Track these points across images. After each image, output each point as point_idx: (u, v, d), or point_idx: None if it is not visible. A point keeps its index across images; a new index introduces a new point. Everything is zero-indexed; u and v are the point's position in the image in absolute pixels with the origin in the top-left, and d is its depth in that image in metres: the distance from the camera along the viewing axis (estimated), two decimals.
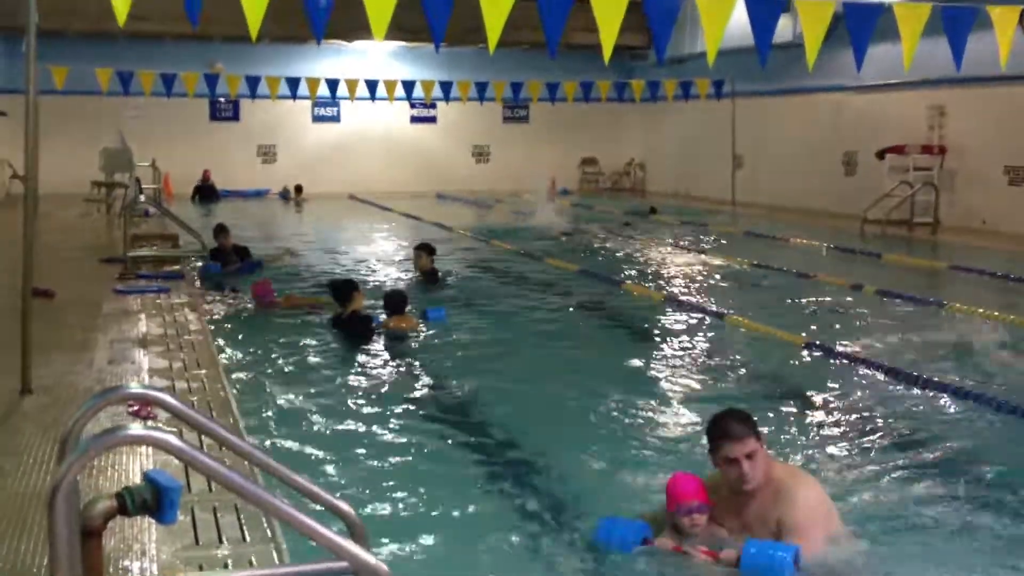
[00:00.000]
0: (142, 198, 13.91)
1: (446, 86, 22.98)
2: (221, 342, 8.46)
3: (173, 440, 2.88)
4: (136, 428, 2.88)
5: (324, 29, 6.64)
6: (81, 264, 12.72)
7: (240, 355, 8.23)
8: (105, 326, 8.62)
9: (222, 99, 26.11)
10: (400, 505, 5.07)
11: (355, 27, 13.18)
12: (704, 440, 4.48)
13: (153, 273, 11.63)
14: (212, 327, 8.92)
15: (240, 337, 8.90)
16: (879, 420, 6.70)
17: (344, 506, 3.53)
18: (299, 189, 26.48)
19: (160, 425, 4.84)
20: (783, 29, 17.46)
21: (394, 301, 9.43)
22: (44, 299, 9.78)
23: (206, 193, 25.80)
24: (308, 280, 12.63)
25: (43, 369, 6.86)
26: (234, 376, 7.37)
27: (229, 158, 27.20)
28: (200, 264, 12.45)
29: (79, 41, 23.85)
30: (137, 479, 4.58)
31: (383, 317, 9.33)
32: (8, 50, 23.79)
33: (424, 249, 12.19)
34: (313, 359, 8.36)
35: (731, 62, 19.34)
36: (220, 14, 17.79)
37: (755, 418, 4.44)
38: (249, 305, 10.39)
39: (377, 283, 12.28)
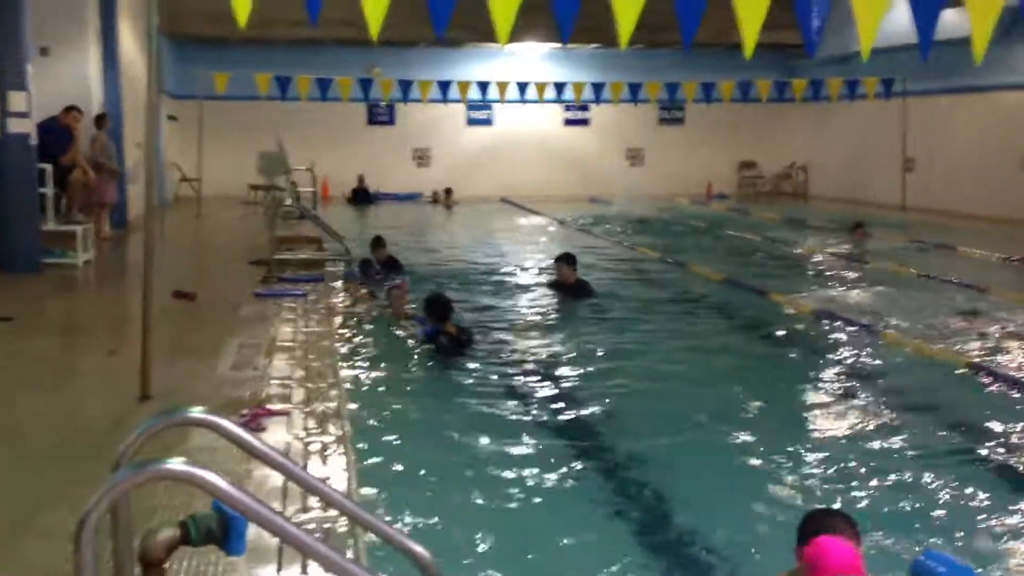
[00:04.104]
0: (288, 201, 14.05)
1: (598, 87, 22.61)
2: (346, 351, 8.30)
3: (212, 478, 2.60)
4: (176, 462, 2.60)
5: (446, 26, 6.38)
6: (231, 265, 12.92)
7: (363, 365, 8.02)
8: (237, 330, 8.60)
9: (380, 104, 26.50)
10: (487, 547, 4.65)
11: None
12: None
13: (295, 276, 11.68)
14: (340, 335, 8.79)
15: (366, 347, 8.69)
16: None
17: (419, 549, 3.20)
18: (449, 192, 26.61)
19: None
20: (958, 23, 16.31)
21: (442, 307, 8.86)
22: (185, 301, 9.96)
23: (361, 196, 26.23)
24: (443, 287, 12.41)
25: (168, 372, 6.84)
26: (353, 387, 7.18)
27: (384, 161, 27.57)
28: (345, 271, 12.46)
29: (241, 47, 24.60)
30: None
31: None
32: (178, 56, 24.79)
33: (565, 260, 11.53)
34: (436, 375, 8.06)
35: (902, 59, 18.29)
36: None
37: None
38: (377, 311, 10.25)
39: (514, 290, 11.99)
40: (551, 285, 11.75)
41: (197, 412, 3.16)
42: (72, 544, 2.53)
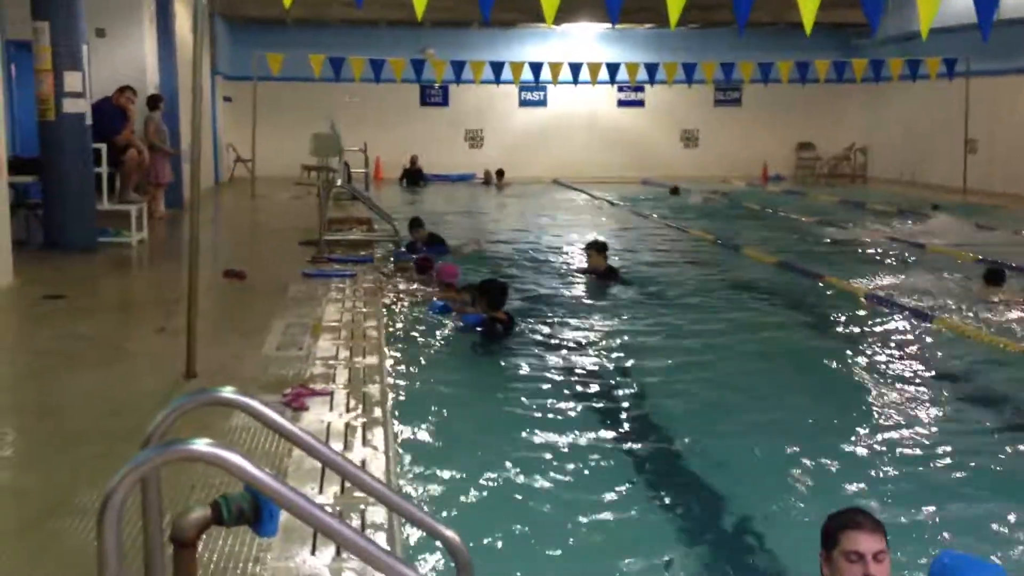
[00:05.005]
0: (339, 182, 14.11)
1: (652, 68, 22.35)
2: (392, 332, 8.29)
3: (237, 459, 2.57)
4: (202, 443, 2.57)
5: (491, 7, 6.31)
6: (282, 246, 12.98)
7: (408, 347, 7.98)
8: (284, 310, 8.63)
9: (434, 85, 26.45)
10: (521, 533, 4.57)
11: (564, 10, 12.81)
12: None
13: (344, 257, 11.71)
14: (386, 316, 8.78)
15: (412, 329, 8.66)
16: None
17: (450, 534, 3.16)
18: (500, 173, 26.54)
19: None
20: (1022, 3, 15.91)
21: (499, 293, 8.67)
22: (236, 280, 10.03)
23: (413, 177, 26.26)
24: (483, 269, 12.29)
25: (215, 350, 6.90)
26: (397, 368, 7.17)
27: (437, 142, 27.56)
28: (394, 253, 12.48)
29: (296, 28, 24.73)
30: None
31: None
32: (233, 37, 24.97)
33: (595, 247, 11.49)
34: (480, 359, 7.98)
35: (964, 39, 17.83)
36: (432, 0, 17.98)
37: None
38: (424, 293, 10.21)
39: (550, 275, 11.86)
40: (582, 271, 11.66)
41: (227, 392, 3.13)
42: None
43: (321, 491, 4.32)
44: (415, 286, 10.54)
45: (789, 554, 4.41)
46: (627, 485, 5.24)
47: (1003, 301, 9.93)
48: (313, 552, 3.75)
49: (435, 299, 9.58)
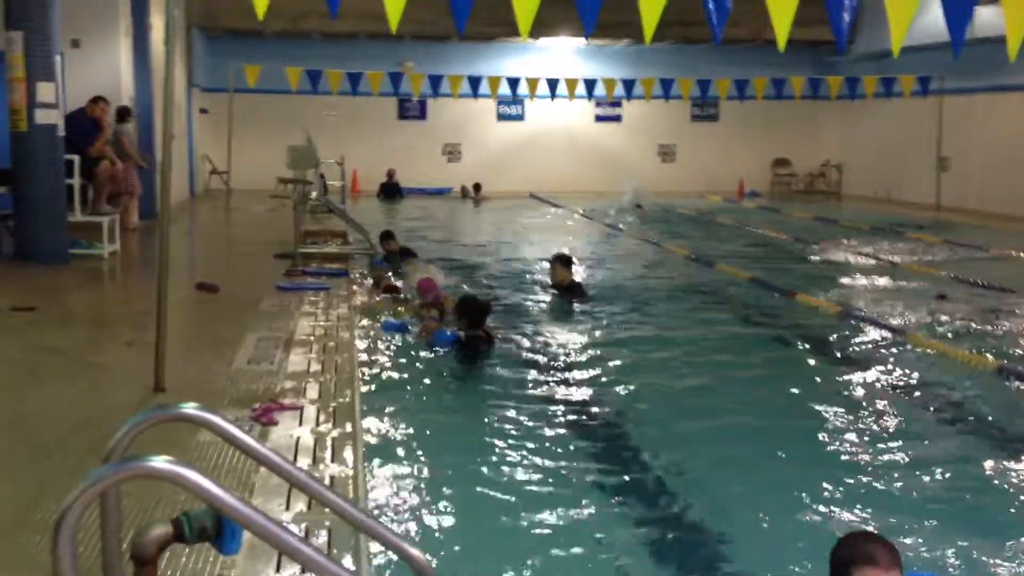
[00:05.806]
0: (314, 194, 14.06)
1: (629, 84, 22.45)
2: (365, 346, 8.25)
3: (195, 477, 2.53)
4: (160, 460, 2.53)
5: (466, 21, 6.30)
6: (256, 258, 12.91)
7: (381, 361, 7.95)
8: (256, 323, 8.58)
9: (412, 99, 26.39)
10: (490, 553, 4.51)
11: (543, 24, 12.82)
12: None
13: (319, 270, 11.66)
14: (360, 329, 8.73)
15: (386, 342, 8.62)
16: None
17: (416, 553, 3.13)
18: (477, 187, 26.52)
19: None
20: (995, 21, 16.01)
21: (481, 311, 8.58)
22: (208, 293, 9.96)
23: (390, 191, 26.19)
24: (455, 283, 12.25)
25: (185, 364, 6.86)
26: (369, 383, 7.13)
27: (415, 156, 27.50)
28: (372, 259, 12.46)
29: (273, 41, 24.66)
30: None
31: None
32: (211, 49, 24.88)
33: (560, 261, 11.39)
34: (454, 374, 7.93)
35: (938, 57, 18.00)
36: (410, 13, 17.89)
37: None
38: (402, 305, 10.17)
39: (511, 291, 11.87)
40: (547, 286, 11.57)
41: (188, 408, 3.10)
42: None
43: (288, 508, 4.27)
44: (381, 296, 10.52)
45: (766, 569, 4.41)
46: (602, 509, 5.20)
47: (960, 318, 10.04)
48: (278, 570, 3.71)
49: (387, 318, 9.34)
